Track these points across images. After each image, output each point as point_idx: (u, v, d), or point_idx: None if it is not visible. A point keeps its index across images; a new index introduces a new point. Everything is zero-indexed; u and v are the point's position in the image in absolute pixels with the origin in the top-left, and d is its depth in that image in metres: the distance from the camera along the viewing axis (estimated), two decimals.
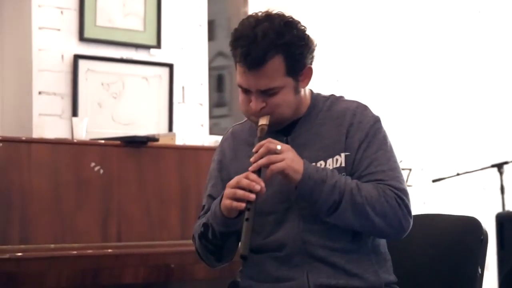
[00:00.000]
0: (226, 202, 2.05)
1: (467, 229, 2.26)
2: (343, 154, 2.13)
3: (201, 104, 4.69)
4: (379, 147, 2.14)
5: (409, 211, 2.10)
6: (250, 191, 2.00)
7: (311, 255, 2.12)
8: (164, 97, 4.52)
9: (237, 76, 2.13)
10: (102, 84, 4.31)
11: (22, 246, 3.31)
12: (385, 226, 2.07)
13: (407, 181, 4.87)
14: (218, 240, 2.15)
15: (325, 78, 5.20)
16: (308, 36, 2.15)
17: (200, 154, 3.85)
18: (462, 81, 5.91)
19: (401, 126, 5.53)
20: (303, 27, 2.14)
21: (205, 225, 2.17)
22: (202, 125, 4.68)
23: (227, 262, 2.27)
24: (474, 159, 5.64)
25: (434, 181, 5.18)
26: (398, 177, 2.12)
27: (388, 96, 5.51)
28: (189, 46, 4.64)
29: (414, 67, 5.67)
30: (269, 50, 2.05)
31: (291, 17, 2.15)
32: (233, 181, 2.04)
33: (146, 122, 4.43)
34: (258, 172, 2.04)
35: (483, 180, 5.71)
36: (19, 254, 3.18)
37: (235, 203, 2.02)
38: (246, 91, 2.13)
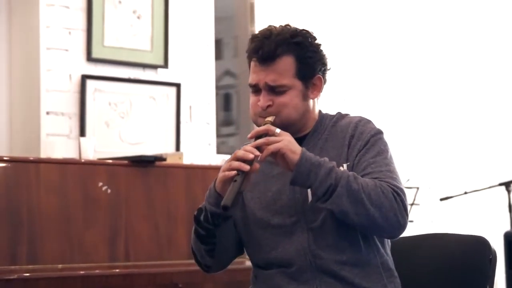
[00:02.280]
0: (220, 174, 2.08)
1: (475, 249, 2.25)
2: (345, 165, 2.14)
3: (208, 123, 4.70)
4: (378, 154, 2.15)
5: (405, 208, 2.07)
6: (245, 161, 2.02)
7: (321, 269, 2.11)
8: (172, 116, 4.53)
9: (249, 77, 2.19)
10: (110, 104, 4.33)
11: (30, 266, 3.31)
12: (380, 217, 2.04)
13: (414, 199, 4.86)
14: (209, 224, 2.14)
15: (332, 97, 5.21)
16: (322, 50, 2.22)
17: (208, 173, 3.86)
18: (469, 100, 5.91)
19: (408, 145, 5.52)
20: (318, 42, 2.23)
21: (199, 209, 2.18)
22: (209, 144, 4.69)
23: (221, 265, 2.26)
24: (482, 178, 5.63)
25: (441, 199, 5.17)
26: (396, 178, 2.12)
27: (395, 115, 5.51)
28: (196, 65, 4.66)
29: (422, 86, 5.67)
30: (281, 45, 2.13)
31: (309, 30, 2.24)
32: (232, 155, 2.08)
33: (153, 142, 4.44)
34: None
35: (491, 198, 5.69)
36: (27, 274, 3.19)
37: (227, 172, 2.04)
38: (256, 91, 2.17)
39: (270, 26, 2.21)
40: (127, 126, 4.38)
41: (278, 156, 2.05)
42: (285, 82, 2.14)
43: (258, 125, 2.17)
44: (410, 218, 4.91)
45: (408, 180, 4.87)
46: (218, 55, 5.07)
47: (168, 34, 4.53)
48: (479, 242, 2.26)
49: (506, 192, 5.02)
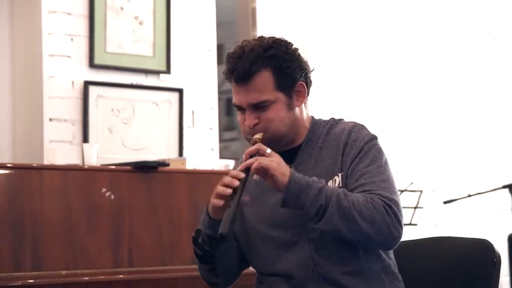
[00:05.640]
0: (211, 201, 2.09)
1: (479, 252, 2.25)
2: (339, 175, 2.13)
3: (211, 128, 4.70)
4: (372, 162, 2.13)
5: (398, 220, 2.06)
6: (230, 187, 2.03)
7: (323, 279, 2.11)
8: (174, 122, 4.53)
9: (233, 97, 2.18)
10: (112, 110, 4.33)
11: (34, 273, 3.31)
12: (374, 232, 2.04)
13: (418, 202, 4.85)
14: (207, 245, 2.15)
15: (335, 101, 5.21)
16: (299, 55, 2.19)
17: (211, 178, 3.85)
18: (472, 103, 5.90)
19: (412, 148, 5.52)
20: (294, 48, 2.19)
21: (197, 231, 2.19)
22: (212, 149, 4.69)
23: (228, 281, 2.27)
24: (485, 180, 5.62)
25: (445, 202, 5.15)
26: (389, 188, 2.10)
27: (398, 119, 5.51)
28: (199, 70, 4.66)
29: (424, 90, 5.67)
30: (254, 63, 2.11)
31: (282, 38, 2.20)
32: (220, 181, 2.08)
33: (156, 147, 4.44)
34: (246, 172, 2.05)
35: (494, 201, 5.68)
36: (31, 281, 3.19)
37: (216, 200, 2.05)
38: (241, 110, 2.16)
39: (243, 42, 2.18)
40: (130, 132, 4.38)
41: (268, 176, 2.05)
42: (266, 97, 2.12)
43: (249, 142, 2.17)
44: (414, 222, 4.94)
45: (412, 183, 4.86)
46: (220, 60, 5.07)
47: (170, 40, 4.53)
48: (483, 245, 2.26)
49: (510, 195, 5.01)
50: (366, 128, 2.21)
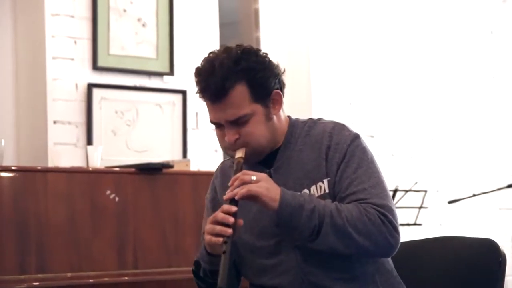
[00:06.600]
0: (206, 238, 2.02)
1: (484, 252, 2.24)
2: (325, 180, 2.09)
3: (214, 130, 4.69)
4: (359, 165, 2.08)
5: (394, 227, 2.03)
6: (228, 225, 1.96)
7: (316, 286, 2.08)
8: (178, 123, 4.53)
9: (208, 114, 2.13)
10: (116, 112, 4.34)
11: (39, 276, 3.31)
12: (371, 245, 2.01)
13: (422, 202, 4.85)
14: (209, 278, 2.13)
15: (338, 101, 5.20)
16: (270, 60, 2.13)
17: None
18: (476, 102, 5.90)
19: (416, 148, 5.51)
20: (263, 54, 2.12)
21: (196, 263, 2.16)
22: (216, 151, 4.69)
23: None
24: (490, 180, 5.61)
25: (450, 202, 5.15)
26: (381, 193, 2.06)
27: (402, 119, 5.50)
28: None
29: (428, 89, 5.66)
30: (227, 78, 2.04)
31: (250, 46, 2.14)
32: (212, 216, 2.01)
33: (160, 149, 4.44)
34: (235, 203, 1.99)
35: (499, 200, 5.68)
36: (36, 283, 3.19)
37: (214, 238, 1.98)
38: (219, 126, 2.11)
39: (210, 55, 2.11)
40: (133, 134, 4.38)
41: (259, 202, 2.01)
42: (244, 112, 2.07)
43: (230, 156, 2.13)
44: (418, 222, 4.94)
45: (416, 183, 4.86)
46: None
47: (173, 41, 4.53)
48: (488, 244, 2.25)
49: None
50: (346, 128, 2.16)
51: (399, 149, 5.37)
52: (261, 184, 2.01)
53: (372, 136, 5.22)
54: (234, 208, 1.98)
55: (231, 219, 1.96)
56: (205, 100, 2.11)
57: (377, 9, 5.47)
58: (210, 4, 4.76)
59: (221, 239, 1.96)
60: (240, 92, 2.06)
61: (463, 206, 5.40)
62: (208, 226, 2.01)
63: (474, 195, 5.08)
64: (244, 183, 2.00)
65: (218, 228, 1.97)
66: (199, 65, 2.14)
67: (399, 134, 5.44)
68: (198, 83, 2.11)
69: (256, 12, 5.21)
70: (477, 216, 5.68)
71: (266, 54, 2.13)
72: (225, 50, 2.11)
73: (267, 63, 2.11)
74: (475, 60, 5.92)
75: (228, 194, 2.01)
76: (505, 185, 5.08)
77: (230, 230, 1.96)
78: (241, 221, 2.00)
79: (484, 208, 5.71)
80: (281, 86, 2.15)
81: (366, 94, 5.38)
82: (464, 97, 5.85)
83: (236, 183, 2.01)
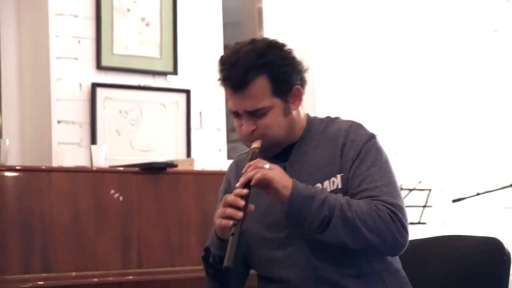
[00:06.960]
0: (217, 221, 2.05)
1: (489, 250, 2.24)
2: (338, 176, 2.11)
3: (218, 129, 4.70)
4: (373, 164, 2.11)
5: (403, 226, 2.05)
6: (239, 208, 1.98)
7: (322, 281, 2.09)
8: (182, 123, 4.53)
9: (228, 102, 2.15)
10: (120, 112, 4.34)
11: (44, 275, 3.32)
12: (379, 242, 2.03)
13: (426, 201, 4.84)
14: (217, 264, 2.13)
15: (342, 100, 5.20)
16: (294, 57, 2.15)
17: (219, 179, 3.81)
18: (480, 101, 5.89)
19: (420, 147, 5.51)
20: (288, 49, 2.15)
21: (206, 249, 2.17)
22: (220, 150, 4.69)
23: None
24: (494, 178, 5.61)
25: (454, 201, 5.15)
26: (392, 192, 2.08)
27: (405, 117, 5.50)
28: (206, 71, 4.66)
29: (432, 88, 5.66)
30: (250, 70, 2.07)
31: (276, 40, 2.16)
32: (223, 199, 2.04)
33: (164, 148, 4.45)
34: (248, 188, 2.01)
35: (503, 199, 5.67)
36: (41, 283, 3.20)
37: (224, 221, 2.00)
38: (237, 115, 2.14)
39: (236, 45, 2.13)
40: (137, 133, 4.38)
41: (270, 189, 2.03)
42: (263, 104, 2.09)
43: (247, 147, 2.16)
44: (423, 220, 4.93)
45: (420, 182, 4.85)
46: None
47: (177, 41, 4.53)
48: (493, 243, 2.25)
49: None
50: (363, 127, 2.19)
51: (403, 148, 5.36)
52: (275, 171, 2.03)
53: (376, 135, 5.22)
54: (245, 191, 2.00)
55: (242, 202, 1.98)
56: (225, 89, 2.13)
57: (380, 8, 5.46)
58: (213, 4, 4.76)
59: (231, 222, 1.98)
60: (260, 84, 2.09)
61: (468, 205, 5.40)
62: (220, 210, 2.03)
63: (478, 194, 5.08)
64: (256, 166, 2.03)
65: (229, 210, 1.99)
66: (223, 54, 2.17)
67: (403, 133, 5.44)
68: (221, 71, 2.12)
69: (260, 12, 5.21)
70: (482, 214, 5.67)
71: (291, 49, 2.16)
72: (251, 41, 2.14)
73: (290, 59, 2.14)
74: (479, 59, 5.91)
75: (241, 180, 2.03)
76: (509, 183, 5.08)
77: (240, 213, 1.97)
78: (252, 206, 2.03)
79: (488, 207, 5.70)
80: (303, 83, 2.17)
81: (370, 93, 5.38)
82: (468, 96, 5.84)
83: (249, 169, 2.03)
